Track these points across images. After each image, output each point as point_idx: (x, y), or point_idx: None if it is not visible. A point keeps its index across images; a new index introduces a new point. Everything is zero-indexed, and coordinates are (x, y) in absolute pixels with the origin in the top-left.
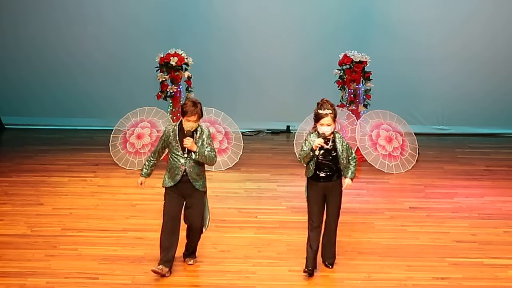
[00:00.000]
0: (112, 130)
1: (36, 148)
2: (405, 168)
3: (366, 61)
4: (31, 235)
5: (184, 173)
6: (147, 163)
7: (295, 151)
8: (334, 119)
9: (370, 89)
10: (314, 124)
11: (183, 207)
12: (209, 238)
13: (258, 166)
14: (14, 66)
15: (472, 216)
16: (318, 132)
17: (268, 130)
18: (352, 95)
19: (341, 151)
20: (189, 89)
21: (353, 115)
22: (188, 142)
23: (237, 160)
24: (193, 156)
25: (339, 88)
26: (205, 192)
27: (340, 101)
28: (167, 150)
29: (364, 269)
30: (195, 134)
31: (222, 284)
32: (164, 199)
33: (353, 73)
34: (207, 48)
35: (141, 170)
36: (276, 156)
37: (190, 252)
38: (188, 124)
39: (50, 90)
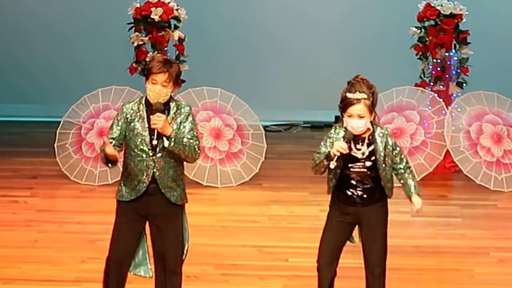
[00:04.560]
0: (60, 123)
1: None
2: None
3: (461, 15)
4: None
5: (152, 180)
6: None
7: None
8: (371, 108)
9: (468, 59)
10: (341, 114)
11: (144, 232)
12: None
13: (290, 179)
14: None
15: None
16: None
17: (305, 123)
18: (438, 68)
19: (382, 155)
20: (181, 57)
21: (441, 100)
22: (159, 120)
23: (257, 171)
24: (166, 144)
25: (418, 57)
26: (182, 207)
27: (420, 77)
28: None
29: None
30: (170, 112)
31: None
32: (115, 223)
33: (440, 34)
34: None
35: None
36: None
37: None
38: (155, 90)
39: None
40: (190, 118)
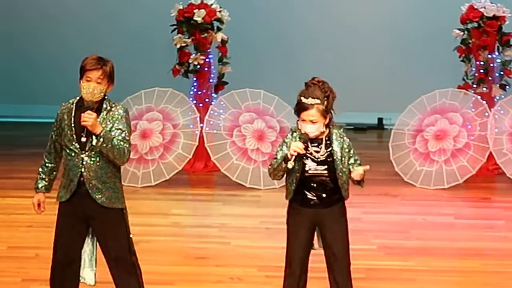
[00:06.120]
0: None
1: None
2: None
3: (505, 17)
4: None
5: (81, 179)
6: (41, 170)
7: (391, 158)
8: (324, 113)
9: (511, 61)
10: (298, 117)
11: (89, 237)
12: None
13: None
14: None
15: None
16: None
17: (348, 125)
18: (481, 70)
19: (339, 156)
20: (224, 59)
21: (484, 102)
22: (89, 117)
23: None
24: (94, 142)
25: (461, 59)
26: (121, 211)
27: (463, 79)
28: None
29: None
30: (102, 111)
31: None
32: (56, 226)
33: (483, 36)
34: None
35: (36, 183)
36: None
37: None
38: (89, 87)
39: None
40: (123, 121)
